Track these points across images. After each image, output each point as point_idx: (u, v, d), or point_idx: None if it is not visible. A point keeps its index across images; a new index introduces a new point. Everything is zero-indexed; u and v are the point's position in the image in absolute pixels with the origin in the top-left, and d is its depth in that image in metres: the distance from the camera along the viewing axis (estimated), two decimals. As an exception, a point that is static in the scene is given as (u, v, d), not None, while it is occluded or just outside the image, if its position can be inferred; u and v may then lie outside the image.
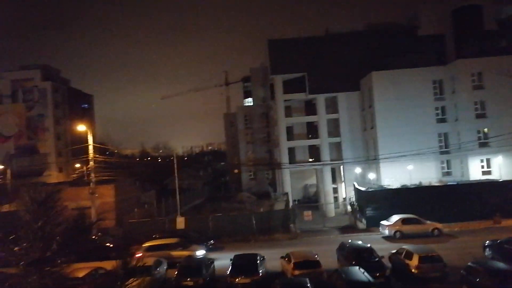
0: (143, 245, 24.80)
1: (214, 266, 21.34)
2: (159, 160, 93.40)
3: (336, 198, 47.13)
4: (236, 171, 67.99)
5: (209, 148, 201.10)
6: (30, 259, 1.97)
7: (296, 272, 18.32)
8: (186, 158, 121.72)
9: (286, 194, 44.16)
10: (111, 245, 25.70)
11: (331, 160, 45.77)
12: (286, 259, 20.18)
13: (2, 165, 57.89)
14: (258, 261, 19.50)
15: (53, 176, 60.32)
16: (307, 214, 34.37)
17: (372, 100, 40.53)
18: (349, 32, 46.45)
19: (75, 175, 51.80)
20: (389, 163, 37.76)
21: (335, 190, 47.84)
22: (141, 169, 67.74)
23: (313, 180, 52.85)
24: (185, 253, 23.53)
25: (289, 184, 46.21)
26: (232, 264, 19.31)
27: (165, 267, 20.81)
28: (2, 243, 1.92)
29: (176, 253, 23.80)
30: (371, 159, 41.83)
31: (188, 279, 18.38)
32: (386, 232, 28.35)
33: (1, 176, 51.15)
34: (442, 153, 39.47)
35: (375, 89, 40.18)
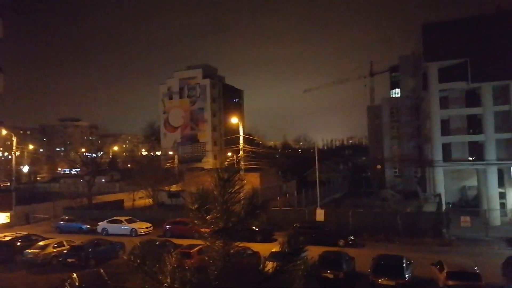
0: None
1: (354, 262, 20.80)
2: (300, 152, 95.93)
3: (503, 205, 39.87)
4: (378, 166, 64.59)
5: (350, 141, 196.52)
6: (216, 227, 2.26)
7: (450, 283, 16.32)
8: (326, 151, 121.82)
9: (438, 195, 39.60)
10: (257, 229, 27.64)
11: (498, 160, 38.82)
12: (438, 266, 18.15)
13: (171, 151, 68.94)
14: (404, 264, 18.12)
15: (209, 163, 68.53)
16: (465, 220, 30.14)
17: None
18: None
19: (226, 163, 57.76)
20: None
21: (502, 195, 40.46)
22: (283, 160, 70.88)
23: (472, 182, 45.88)
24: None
25: (442, 184, 41.21)
26: (375, 264, 18.42)
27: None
28: (198, 212, 2.27)
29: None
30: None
31: (328, 271, 18.37)
32: None
33: (171, 161, 60.94)
34: None
35: None
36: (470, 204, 43.64)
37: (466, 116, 43.16)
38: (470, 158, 42.88)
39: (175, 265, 2.47)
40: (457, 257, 21.41)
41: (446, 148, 42.44)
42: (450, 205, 41.04)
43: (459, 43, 39.78)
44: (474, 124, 42.09)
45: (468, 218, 30.22)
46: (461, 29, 40.19)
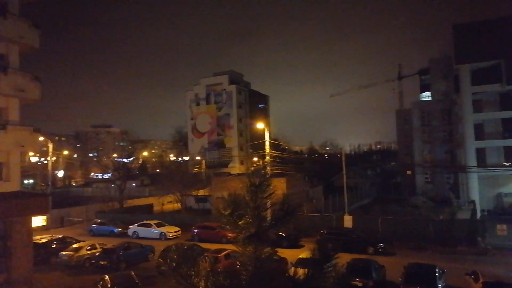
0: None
1: (385, 271, 20.30)
2: (327, 157, 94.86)
3: (543, 213, 37.82)
4: (409, 172, 62.81)
5: (378, 146, 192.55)
6: (248, 233, 2.32)
7: (486, 294, 15.64)
8: (353, 156, 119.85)
9: (473, 202, 38.14)
10: (284, 234, 27.54)
11: (538, 165, 36.97)
12: (473, 277, 17.44)
13: (198, 156, 69.93)
14: (437, 274, 17.52)
15: (236, 168, 68.96)
16: (501, 228, 28.75)
17: None
18: None
19: (253, 168, 57.94)
20: None
21: (543, 203, 38.43)
22: (309, 165, 70.29)
23: (509, 189, 43.80)
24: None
25: (477, 191, 39.66)
26: (407, 273, 17.90)
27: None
28: (231, 217, 2.33)
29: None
30: None
31: (357, 279, 18.03)
32: None
33: (198, 166, 61.82)
34: None
35: None
36: (507, 212, 41.60)
37: (501, 120, 41.38)
38: (506, 163, 40.98)
39: (209, 269, 2.55)
40: (493, 267, 20.47)
41: (480, 153, 40.84)
42: (486, 213, 39.33)
43: (492, 44, 38.38)
44: (510, 128, 40.27)
45: (504, 227, 28.81)
46: (494, 30, 38.78)
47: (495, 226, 29.15)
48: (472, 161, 39.58)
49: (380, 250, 26.25)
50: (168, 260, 2.55)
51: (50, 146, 45.56)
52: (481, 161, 40.76)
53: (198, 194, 47.76)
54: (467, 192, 40.93)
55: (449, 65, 47.66)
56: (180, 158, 76.60)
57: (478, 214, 35.07)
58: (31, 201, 20.25)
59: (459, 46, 40.42)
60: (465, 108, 40.32)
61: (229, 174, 55.64)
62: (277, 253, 18.24)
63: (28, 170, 74.28)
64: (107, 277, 18.10)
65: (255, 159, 59.30)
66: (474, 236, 27.67)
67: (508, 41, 37.85)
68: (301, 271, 2.69)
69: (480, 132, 41.05)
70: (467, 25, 40.74)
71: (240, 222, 2.58)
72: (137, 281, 18.13)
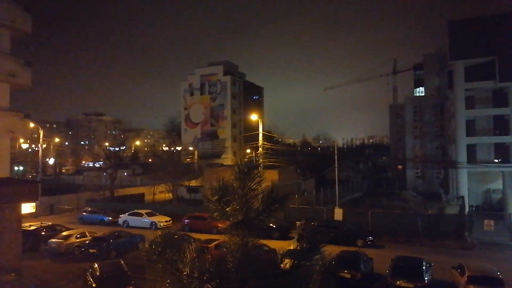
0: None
1: (373, 263, 20.55)
2: (319, 150, 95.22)
3: (530, 209, 38.50)
4: (400, 167, 63.41)
5: (371, 141, 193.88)
6: (235, 220, 2.29)
7: (471, 287, 15.91)
8: (346, 150, 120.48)
9: (461, 198, 38.65)
10: (274, 226, 27.68)
11: (526, 163, 37.52)
12: (459, 270, 17.73)
13: (191, 147, 69.71)
14: (424, 267, 17.78)
15: (228, 159, 68.95)
16: (488, 224, 29.24)
17: None
18: None
19: (246, 159, 57.92)
20: None
21: (529, 200, 39.08)
22: (302, 157, 70.53)
23: (497, 185, 44.46)
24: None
25: (466, 186, 40.16)
26: (394, 265, 18.14)
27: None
28: (218, 204, 2.31)
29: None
30: None
31: (346, 271, 18.22)
32: None
33: (191, 156, 61.65)
34: None
35: None
36: (494, 208, 42.32)
37: (493, 117, 41.82)
38: (496, 160, 41.54)
39: (195, 255, 2.53)
40: (479, 261, 20.84)
41: (471, 149, 41.28)
42: (474, 208, 39.93)
43: (487, 40, 38.57)
44: (501, 125, 40.72)
45: (491, 222, 29.31)
46: (488, 26, 38.93)
47: (482, 222, 29.65)
48: (462, 157, 40.01)
49: (369, 243, 26.55)
50: (153, 246, 2.52)
51: (41, 133, 45.03)
52: (472, 157, 41.24)
53: (190, 185, 47.72)
54: (456, 188, 41.46)
55: (443, 61, 47.87)
56: (172, 148, 76.23)
57: (467, 210, 35.57)
58: (20, 187, 20.03)
59: (454, 42, 40.55)
60: (458, 104, 40.62)
61: (222, 165, 55.64)
62: (267, 245, 18.32)
63: (18, 157, 73.39)
64: (96, 265, 18.05)
65: (248, 150, 59.28)
66: (462, 231, 28.11)
67: (503, 38, 38.04)
68: (288, 261, 2.68)
69: (471, 129, 41.45)
70: (463, 22, 40.82)
71: (227, 209, 2.56)
72: (126, 269, 18.10)
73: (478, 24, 39.53)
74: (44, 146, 52.43)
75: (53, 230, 28.39)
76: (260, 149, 34.53)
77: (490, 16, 39.80)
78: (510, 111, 38.45)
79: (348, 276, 18.07)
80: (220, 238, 20.92)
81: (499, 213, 37.70)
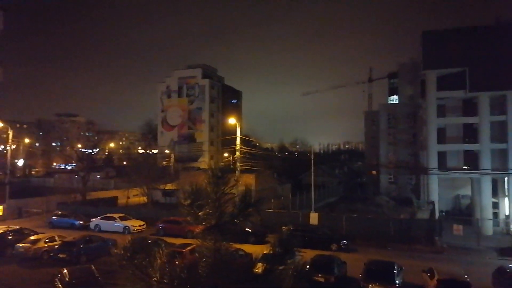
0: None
1: (346, 267, 20.84)
2: (296, 155, 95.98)
3: (496, 215, 40.12)
4: (374, 172, 64.79)
5: (346, 146, 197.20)
6: (208, 224, 2.26)
7: (440, 291, 16.40)
8: (322, 155, 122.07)
9: (432, 203, 39.80)
10: (250, 230, 27.62)
11: (493, 170, 39.10)
12: (429, 274, 18.24)
13: (168, 150, 68.78)
14: (395, 270, 18.19)
15: (205, 163, 68.43)
16: (457, 228, 30.28)
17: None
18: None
19: (223, 163, 57.67)
20: None
21: (495, 205, 40.71)
22: (279, 162, 70.86)
23: (466, 191, 46.14)
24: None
25: (437, 192, 41.41)
26: (367, 269, 18.47)
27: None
28: (191, 208, 2.28)
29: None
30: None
31: (320, 275, 18.39)
32: None
33: (167, 160, 60.80)
34: None
35: None
36: (463, 213, 43.92)
37: (463, 125, 43.39)
38: (465, 167, 43.12)
39: (165, 261, 2.48)
40: (448, 265, 21.50)
41: (442, 156, 42.68)
42: (444, 213, 41.23)
43: (459, 52, 40.08)
44: (470, 133, 42.34)
45: (460, 227, 30.37)
46: (460, 38, 40.50)
47: (451, 226, 30.67)
48: (433, 163, 41.26)
49: (343, 247, 26.92)
50: (122, 251, 2.46)
51: (10, 133, 43.31)
52: (442, 164, 42.61)
53: (166, 188, 47.01)
54: (427, 193, 42.68)
55: (416, 70, 49.41)
56: (148, 151, 75.00)
57: (437, 214, 36.65)
58: (-15, 189, 19.17)
59: (427, 52, 41.92)
60: (430, 113, 41.94)
61: (198, 168, 55.15)
62: (242, 250, 18.26)
63: (-15, 157, 70.20)
64: (65, 270, 17.47)
65: (226, 154, 59.04)
66: (432, 235, 28.94)
67: (474, 50, 39.63)
68: (261, 266, 2.68)
69: (442, 136, 42.83)
70: (436, 33, 42.27)
71: (200, 213, 2.53)
72: (97, 275, 17.61)
73: (450, 36, 41.05)
74: (13, 146, 50.44)
75: (21, 234, 27.28)
76: (237, 153, 34.45)
77: (462, 28, 41.42)
78: (479, 120, 40.04)
79: (322, 279, 18.25)
80: (196, 242, 20.64)
81: (467, 218, 39.14)
